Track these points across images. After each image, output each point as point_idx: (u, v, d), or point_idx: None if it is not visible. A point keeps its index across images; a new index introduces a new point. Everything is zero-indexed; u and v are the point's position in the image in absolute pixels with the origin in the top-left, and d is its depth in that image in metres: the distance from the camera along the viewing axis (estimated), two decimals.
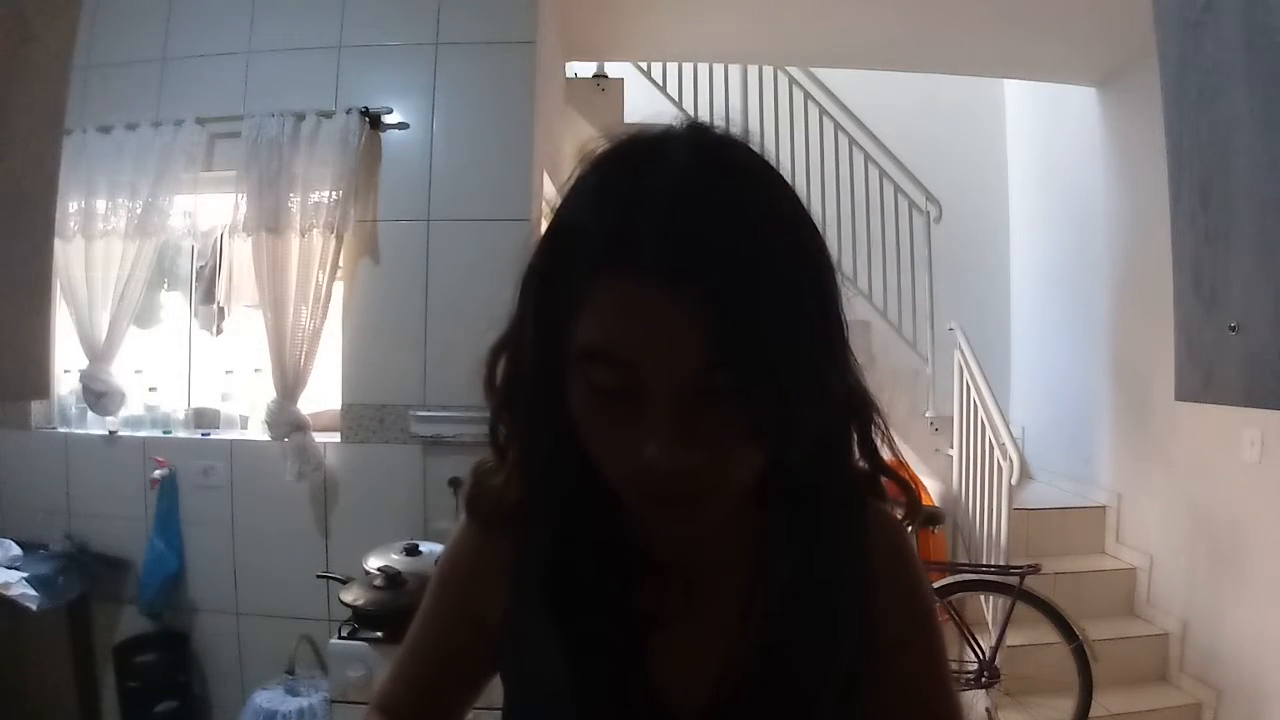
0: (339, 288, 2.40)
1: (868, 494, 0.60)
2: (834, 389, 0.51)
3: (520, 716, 0.61)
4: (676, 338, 0.43)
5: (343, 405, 2.42)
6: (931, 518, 2.92)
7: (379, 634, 1.94)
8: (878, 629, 0.58)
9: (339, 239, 2.32)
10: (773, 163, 0.50)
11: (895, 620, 0.59)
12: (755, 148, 0.50)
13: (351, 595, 1.96)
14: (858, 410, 0.55)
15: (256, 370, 2.54)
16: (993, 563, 3.00)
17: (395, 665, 0.66)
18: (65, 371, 2.59)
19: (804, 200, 0.50)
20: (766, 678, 0.55)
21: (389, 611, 1.91)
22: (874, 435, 0.56)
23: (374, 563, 1.99)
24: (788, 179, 0.50)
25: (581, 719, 0.55)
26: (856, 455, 0.57)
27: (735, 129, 0.51)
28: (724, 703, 0.54)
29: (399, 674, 0.66)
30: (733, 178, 0.47)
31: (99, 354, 2.43)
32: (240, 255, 2.41)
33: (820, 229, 0.50)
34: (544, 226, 0.51)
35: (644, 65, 3.91)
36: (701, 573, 0.57)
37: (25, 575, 2.16)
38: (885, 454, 0.58)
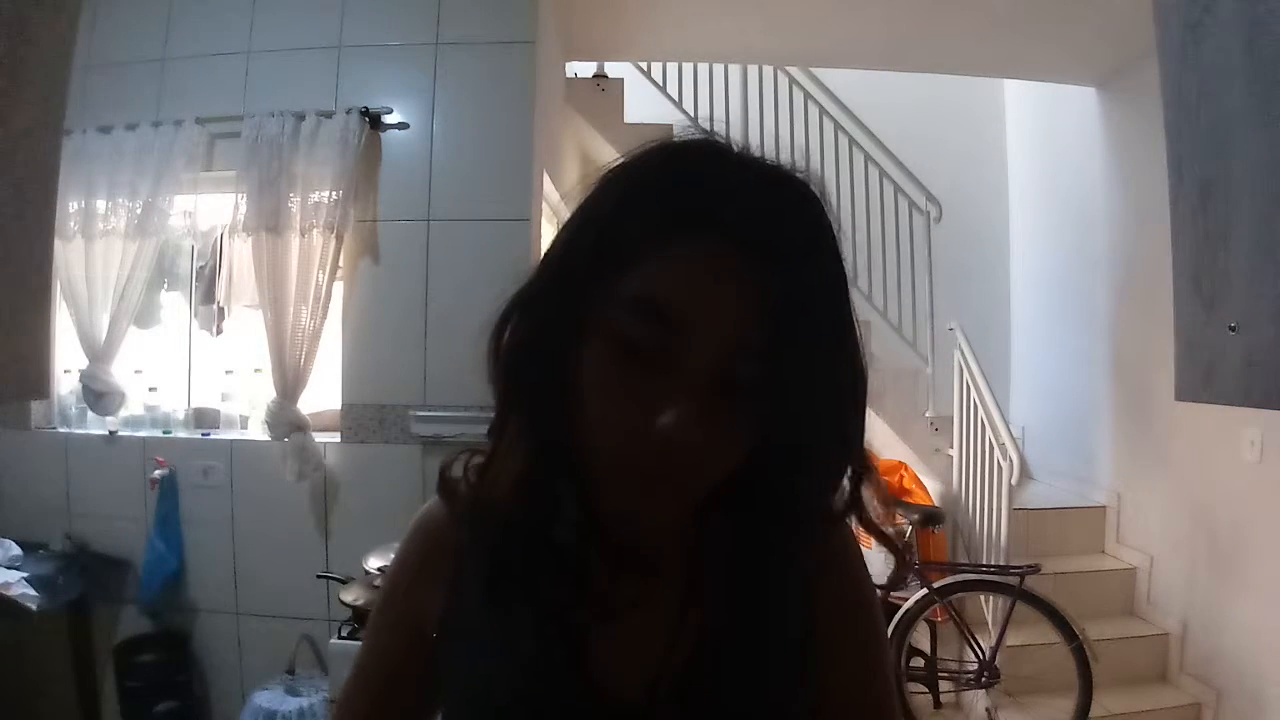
0: (339, 288, 2.40)
1: (832, 527, 0.58)
2: (846, 425, 0.51)
3: (458, 708, 0.60)
4: (735, 307, 0.44)
5: (343, 405, 2.42)
6: (931, 518, 2.92)
7: None
8: (816, 631, 0.58)
9: (339, 239, 2.32)
10: None
11: (836, 620, 0.59)
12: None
13: (351, 595, 1.96)
14: (856, 455, 0.54)
15: (256, 370, 2.53)
16: (993, 563, 2.99)
17: (344, 691, 0.64)
18: (65, 371, 2.59)
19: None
20: (702, 673, 0.54)
21: None
22: (863, 487, 0.55)
23: (374, 563, 1.98)
24: None
25: (519, 706, 0.54)
26: (840, 494, 0.55)
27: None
28: (661, 694, 0.54)
29: (347, 700, 0.64)
30: (810, 191, 0.50)
31: (99, 354, 2.43)
32: (240, 255, 2.41)
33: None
34: (593, 186, 0.51)
35: (644, 65, 3.90)
36: (652, 566, 0.56)
37: (25, 575, 2.17)
38: (871, 511, 0.57)
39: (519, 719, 0.54)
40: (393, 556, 0.65)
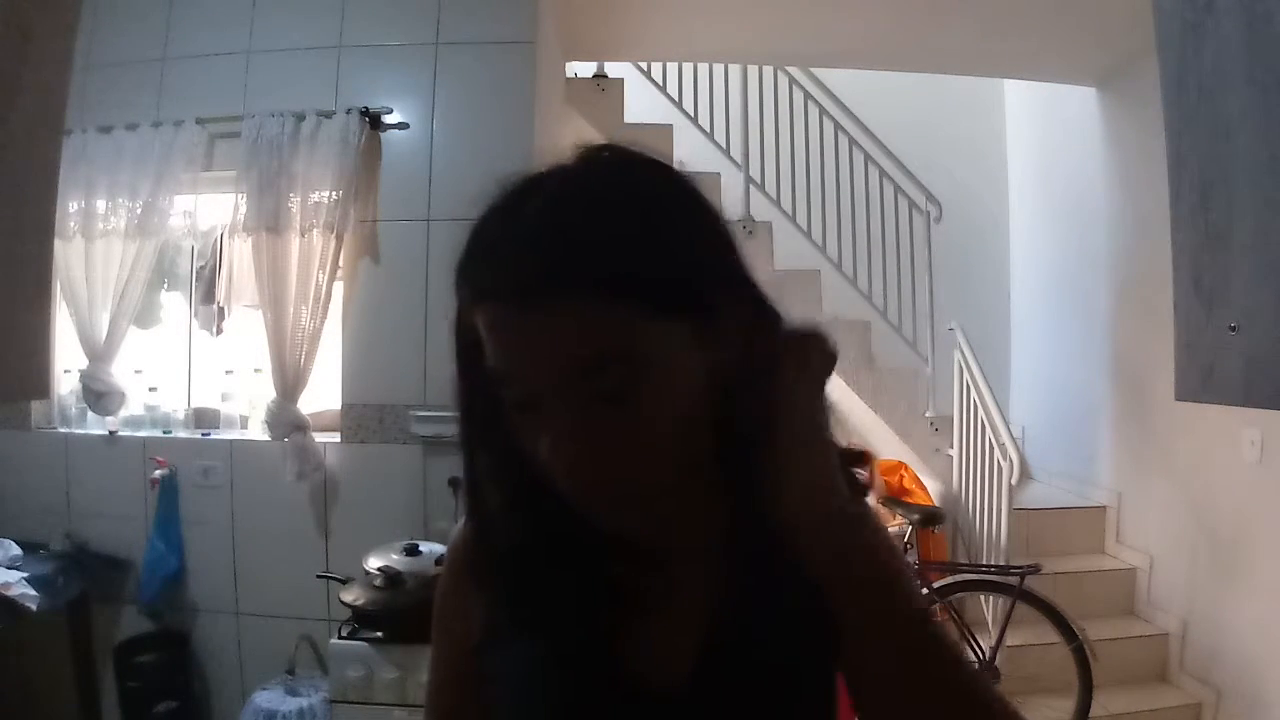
0: (339, 288, 2.40)
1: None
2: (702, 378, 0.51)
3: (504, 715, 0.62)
4: (541, 352, 0.47)
5: (343, 405, 2.42)
6: (931, 518, 2.92)
7: (379, 634, 1.94)
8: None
9: (339, 239, 2.32)
10: (687, 178, 0.53)
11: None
12: (664, 162, 0.53)
13: (351, 595, 1.96)
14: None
15: (256, 370, 2.53)
16: (993, 563, 3.00)
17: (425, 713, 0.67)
18: (65, 371, 2.59)
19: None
20: (740, 660, 0.55)
21: (389, 611, 1.91)
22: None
23: (374, 563, 1.99)
24: (700, 190, 0.53)
25: (555, 704, 0.57)
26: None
27: (646, 150, 0.53)
28: (699, 684, 0.55)
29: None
30: (598, 202, 0.49)
31: (99, 354, 2.43)
32: (240, 255, 2.41)
33: (735, 235, 0.54)
34: None
35: (644, 65, 3.91)
36: (676, 557, 0.57)
37: (25, 575, 2.16)
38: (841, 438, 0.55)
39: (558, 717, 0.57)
40: (441, 577, 0.68)
